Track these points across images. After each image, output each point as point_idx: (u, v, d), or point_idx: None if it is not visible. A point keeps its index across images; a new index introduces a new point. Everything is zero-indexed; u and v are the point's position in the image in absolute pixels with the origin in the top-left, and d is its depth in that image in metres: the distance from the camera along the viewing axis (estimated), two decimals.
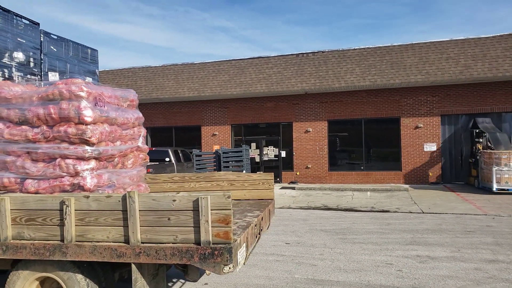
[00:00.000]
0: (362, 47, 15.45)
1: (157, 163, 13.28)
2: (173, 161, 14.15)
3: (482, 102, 15.09)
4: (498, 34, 14.08)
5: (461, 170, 15.66)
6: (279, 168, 17.51)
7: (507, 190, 12.19)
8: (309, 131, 17.02)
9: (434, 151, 15.58)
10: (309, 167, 17.03)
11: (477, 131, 14.55)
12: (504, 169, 12.24)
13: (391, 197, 12.65)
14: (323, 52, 15.91)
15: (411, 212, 9.83)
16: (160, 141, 19.45)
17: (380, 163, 16.45)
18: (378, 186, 15.03)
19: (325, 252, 6.23)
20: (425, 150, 15.68)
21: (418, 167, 15.78)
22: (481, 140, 14.18)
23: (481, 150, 13.69)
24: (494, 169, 12.31)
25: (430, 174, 15.61)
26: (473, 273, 5.07)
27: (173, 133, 19.33)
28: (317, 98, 16.95)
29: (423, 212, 9.77)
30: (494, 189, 12.30)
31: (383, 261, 5.68)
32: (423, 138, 15.71)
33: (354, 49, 15.53)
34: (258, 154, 17.93)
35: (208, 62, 17.38)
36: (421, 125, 15.66)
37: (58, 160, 3.44)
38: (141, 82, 18.17)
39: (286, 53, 16.43)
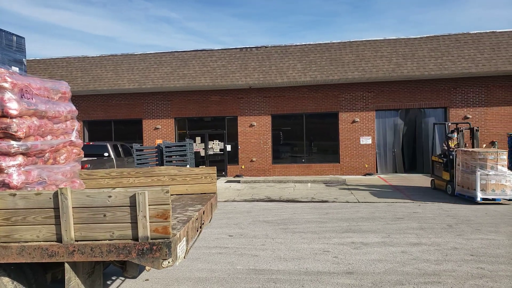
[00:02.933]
0: (304, 43, 15.92)
1: (95, 158, 12.68)
2: (113, 156, 13.60)
3: (412, 98, 16.30)
4: (425, 36, 15.27)
5: (394, 162, 16.85)
6: (224, 162, 17.55)
7: (494, 200, 9.50)
8: (254, 125, 17.24)
9: (370, 144, 16.57)
10: (253, 161, 17.28)
11: (449, 124, 12.24)
12: (490, 173, 9.46)
13: (330, 188, 13.27)
14: (266, 47, 16.14)
15: (347, 202, 10.40)
16: (98, 135, 18.56)
17: (320, 156, 17.15)
18: (318, 177, 15.68)
19: (267, 243, 6.41)
20: (361, 143, 16.62)
21: (355, 159, 16.70)
22: (455, 135, 11.65)
23: (455, 147, 11.26)
24: (478, 173, 9.50)
25: (366, 166, 16.59)
26: (400, 256, 5.53)
27: (112, 126, 18.53)
28: (261, 93, 17.20)
29: (358, 202, 10.39)
30: (478, 199, 9.47)
31: (321, 249, 5.99)
32: (359, 132, 16.63)
33: (296, 45, 15.95)
34: (203, 148, 17.81)
35: (150, 54, 16.87)
36: (358, 120, 16.55)
37: None
38: (76, 73, 17.15)
39: (230, 47, 16.44)
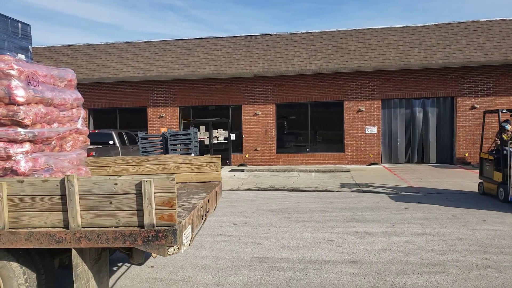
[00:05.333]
0: (309, 31, 15.75)
1: (101, 146, 12.75)
2: (118, 144, 13.66)
3: (418, 87, 16.15)
4: (433, 24, 15.04)
5: (399, 152, 16.78)
6: (228, 151, 17.58)
7: None
8: (258, 114, 17.20)
9: (375, 133, 16.50)
10: (258, 150, 17.28)
11: (503, 111, 8.99)
12: None
13: (334, 177, 13.28)
14: (271, 35, 16.00)
15: (352, 192, 10.41)
16: (103, 123, 18.62)
17: (324, 145, 17.12)
18: (323, 167, 15.68)
19: (271, 231, 6.45)
20: (366, 132, 16.54)
21: (360, 149, 16.65)
22: (508, 126, 9.01)
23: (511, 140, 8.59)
24: None
25: (371, 156, 16.55)
26: (404, 246, 5.55)
27: (117, 114, 18.57)
28: (266, 81, 17.10)
29: (363, 191, 10.39)
30: None
31: (325, 238, 6.01)
32: (364, 121, 16.54)
33: (302, 33, 15.78)
34: (207, 137, 17.83)
35: (154, 41, 16.78)
36: (363, 109, 16.45)
37: None
38: (82, 60, 17.13)
39: (235, 35, 16.31)
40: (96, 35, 67.86)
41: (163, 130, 17.44)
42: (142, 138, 12.63)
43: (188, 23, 69.14)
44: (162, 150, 12.95)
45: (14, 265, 3.20)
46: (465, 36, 14.72)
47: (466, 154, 15.97)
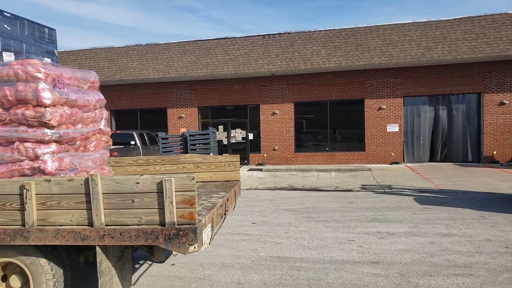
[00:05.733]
0: (328, 28, 15.62)
1: (122, 146, 13.01)
2: (139, 144, 13.91)
3: (442, 84, 15.76)
4: (458, 17, 14.63)
5: (422, 151, 16.43)
6: (246, 151, 17.63)
7: None
8: (276, 113, 17.18)
9: (397, 131, 16.20)
10: (276, 149, 17.27)
11: None
12: None
13: (355, 176, 13.12)
14: (289, 33, 15.94)
15: (373, 191, 10.26)
16: (125, 124, 18.99)
17: (344, 144, 16.93)
18: (343, 166, 15.52)
19: (290, 231, 6.44)
20: (388, 131, 16.28)
21: (381, 147, 16.40)
22: None
23: None
24: None
25: (393, 154, 16.27)
26: (428, 247, 5.43)
27: (138, 115, 18.91)
28: (284, 80, 17.06)
29: (384, 191, 10.22)
30: None
31: (345, 238, 5.95)
32: (386, 119, 16.28)
33: (320, 30, 15.66)
34: (225, 137, 17.94)
35: (173, 43, 16.99)
36: (384, 107, 16.19)
37: (16, 143, 3.33)
38: (103, 63, 17.52)
39: (253, 34, 16.34)
40: (118, 38, 69.23)
41: (183, 130, 17.65)
42: (162, 138, 12.82)
43: (206, 23, 69.69)
44: (181, 150, 13.11)
45: (43, 261, 3.31)
46: (493, 29, 14.25)
47: (495, 152, 15.48)
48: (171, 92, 18.26)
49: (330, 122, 16.96)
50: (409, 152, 16.50)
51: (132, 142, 13.68)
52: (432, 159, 16.44)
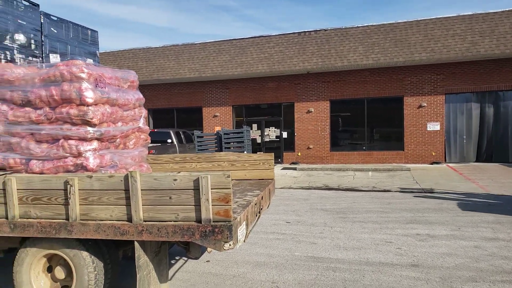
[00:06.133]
0: (366, 25, 15.22)
1: (159, 144, 13.35)
2: (175, 143, 14.22)
3: (488, 80, 14.92)
4: (507, 9, 13.77)
5: (465, 150, 15.65)
6: (280, 149, 17.57)
7: None
8: (311, 112, 16.98)
9: (438, 130, 15.54)
10: (310, 148, 17.07)
11: None
12: None
13: (393, 176, 12.72)
14: (325, 30, 15.69)
15: (412, 192, 9.90)
16: (162, 122, 19.49)
17: (382, 143, 16.45)
18: (380, 166, 15.09)
19: (325, 231, 6.33)
20: (428, 129, 15.64)
21: (421, 146, 15.79)
22: None
23: None
24: None
25: (433, 154, 15.62)
26: (472, 251, 5.15)
27: (174, 114, 19.34)
28: (319, 78, 16.82)
29: (424, 192, 9.84)
30: None
31: (383, 239, 5.78)
32: (426, 117, 15.65)
33: (357, 27, 15.30)
34: (259, 135, 17.96)
35: (209, 42, 17.21)
36: (425, 104, 15.57)
37: (61, 141, 3.49)
38: (142, 63, 18.06)
39: (288, 32, 16.22)
40: (155, 38, 71.21)
41: (217, 128, 17.87)
42: (198, 137, 13.04)
43: (241, 22, 70.13)
44: (216, 148, 13.27)
45: (85, 254, 3.45)
46: None
47: None
48: (206, 91, 18.53)
49: (368, 120, 16.53)
50: (451, 152, 15.77)
51: (169, 140, 14.01)
52: (476, 159, 15.61)
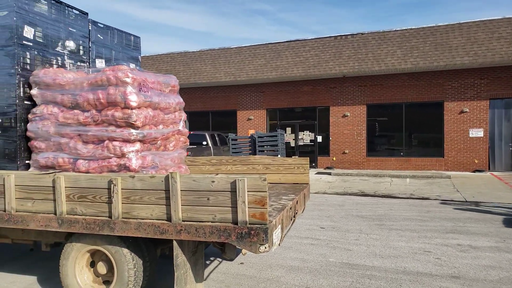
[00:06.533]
0: (404, 28, 14.83)
1: (195, 146, 13.64)
2: (210, 145, 14.46)
3: None
4: None
5: None
6: (314, 153, 17.42)
7: None
8: (347, 116, 16.73)
9: (481, 137, 14.83)
10: (346, 153, 16.81)
11: None
12: None
13: (432, 184, 12.27)
14: (362, 34, 15.44)
15: (453, 200, 9.51)
16: (197, 125, 19.89)
17: (421, 149, 15.91)
18: (419, 172, 14.60)
19: (361, 238, 6.22)
20: (470, 136, 14.97)
21: (462, 153, 15.12)
22: None
23: None
24: None
25: (476, 162, 14.92)
26: None
27: (210, 117, 19.68)
28: (356, 82, 16.55)
29: (466, 201, 9.42)
30: None
31: (421, 249, 5.60)
32: (468, 123, 14.99)
33: (396, 30, 14.93)
34: (293, 139, 17.91)
35: (245, 46, 17.40)
36: (467, 110, 14.92)
37: (106, 142, 3.67)
38: (179, 67, 18.55)
39: (324, 36, 16.10)
40: (192, 42, 72.89)
41: (251, 132, 18.00)
42: (232, 140, 13.20)
43: (277, 26, 70.30)
44: (250, 151, 13.39)
45: (125, 251, 3.59)
46: None
47: None
48: (241, 95, 18.72)
49: (406, 125, 16.05)
50: (496, 160, 14.98)
51: (204, 143, 14.28)
52: None
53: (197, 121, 19.96)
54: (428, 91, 15.48)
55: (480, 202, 9.20)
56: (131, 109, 3.58)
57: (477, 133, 14.86)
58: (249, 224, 3.05)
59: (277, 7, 67.24)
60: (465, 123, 15.01)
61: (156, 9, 66.98)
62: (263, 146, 13.23)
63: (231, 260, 5.09)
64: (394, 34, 14.93)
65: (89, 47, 5.11)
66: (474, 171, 14.83)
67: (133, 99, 3.54)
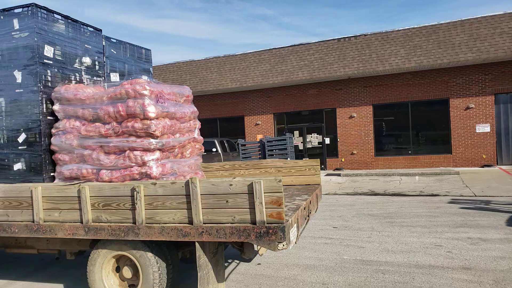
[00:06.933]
0: (407, 27, 14.97)
1: (205, 153, 13.86)
2: (220, 151, 14.69)
3: None
4: None
5: None
6: (323, 155, 17.54)
7: None
8: (354, 117, 16.85)
9: (488, 132, 14.86)
10: (354, 153, 16.91)
11: None
12: None
13: (441, 180, 12.34)
14: (365, 35, 15.60)
15: (462, 196, 9.59)
16: (206, 132, 20.13)
17: (428, 147, 15.97)
18: (427, 170, 14.65)
19: (373, 235, 6.35)
20: (477, 131, 15.01)
21: (470, 149, 15.16)
22: None
23: None
24: None
25: (484, 157, 14.94)
26: None
27: (218, 124, 19.92)
28: (361, 83, 16.69)
29: (475, 196, 9.50)
30: None
31: (432, 243, 5.72)
32: (475, 119, 15.03)
33: (398, 30, 15.08)
34: (301, 142, 18.06)
35: (249, 53, 17.65)
36: (473, 106, 14.97)
37: (127, 152, 3.89)
38: (186, 76, 18.85)
39: (328, 38, 16.29)
40: (196, 50, 73.55)
41: (260, 136, 18.20)
42: (242, 145, 13.40)
43: (280, 30, 70.68)
44: (259, 156, 13.55)
45: (149, 255, 3.79)
46: None
47: None
48: (248, 100, 18.95)
49: (412, 124, 16.14)
50: (504, 154, 14.99)
51: (214, 149, 14.51)
52: None
53: (205, 128, 20.20)
54: (433, 88, 15.57)
55: (490, 196, 9.27)
56: (150, 120, 3.79)
57: (484, 128, 14.89)
58: (267, 223, 3.23)
59: (279, 12, 67.65)
60: (472, 119, 15.05)
61: (159, 18, 67.80)
62: (272, 150, 13.40)
63: (250, 259, 5.26)
64: (396, 34, 15.08)
65: (104, 62, 5.36)
66: (482, 166, 14.85)
67: (152, 110, 3.76)
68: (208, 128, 20.10)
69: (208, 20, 68.61)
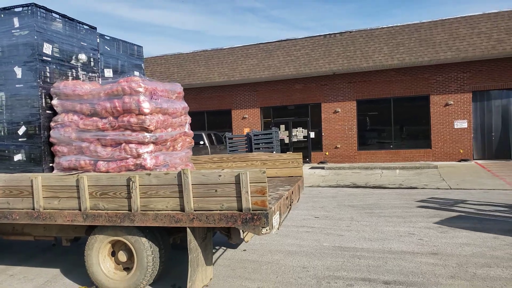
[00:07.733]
0: (390, 25, 15.43)
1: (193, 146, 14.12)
2: (207, 144, 14.97)
3: None
4: None
5: (494, 147, 15.53)
6: (308, 149, 18.00)
7: None
8: (338, 112, 17.32)
9: (465, 128, 15.52)
10: (338, 147, 17.41)
11: None
12: None
13: (420, 174, 12.91)
14: (350, 32, 16.01)
15: (438, 188, 10.13)
16: (193, 125, 20.16)
17: (409, 142, 16.58)
18: (408, 164, 15.25)
19: (352, 225, 6.79)
20: (455, 127, 15.65)
21: (448, 144, 15.81)
22: None
23: None
24: None
25: (461, 151, 15.61)
26: (491, 241, 5.48)
27: (205, 117, 20.15)
28: (345, 78, 17.14)
29: (450, 188, 10.05)
30: None
31: (406, 232, 6.18)
32: (453, 115, 15.66)
33: (382, 27, 15.53)
34: (287, 136, 18.47)
35: (237, 47, 17.88)
36: (451, 102, 15.59)
37: (123, 145, 4.17)
38: (173, 69, 18.98)
39: (314, 34, 16.65)
40: (182, 42, 73.02)
41: (246, 130, 18.53)
42: (229, 138, 13.71)
43: (268, 23, 70.72)
44: (246, 149, 13.90)
45: (144, 240, 4.11)
46: None
47: None
48: (235, 94, 19.22)
49: (394, 119, 16.70)
50: (480, 149, 15.70)
51: (201, 142, 14.78)
52: (506, 156, 15.46)
53: (192, 121, 20.17)
54: (415, 85, 16.12)
55: (464, 188, 9.83)
56: (145, 115, 4.08)
57: (461, 124, 15.55)
58: (252, 210, 3.58)
59: (268, 4, 67.64)
60: (450, 115, 15.69)
61: (144, 8, 67.02)
62: (258, 143, 13.75)
63: (237, 245, 5.63)
64: (380, 31, 15.53)
65: (98, 59, 5.60)
66: (459, 161, 15.53)
67: (146, 106, 4.05)
68: (195, 121, 20.26)
69: (195, 11, 68.16)
